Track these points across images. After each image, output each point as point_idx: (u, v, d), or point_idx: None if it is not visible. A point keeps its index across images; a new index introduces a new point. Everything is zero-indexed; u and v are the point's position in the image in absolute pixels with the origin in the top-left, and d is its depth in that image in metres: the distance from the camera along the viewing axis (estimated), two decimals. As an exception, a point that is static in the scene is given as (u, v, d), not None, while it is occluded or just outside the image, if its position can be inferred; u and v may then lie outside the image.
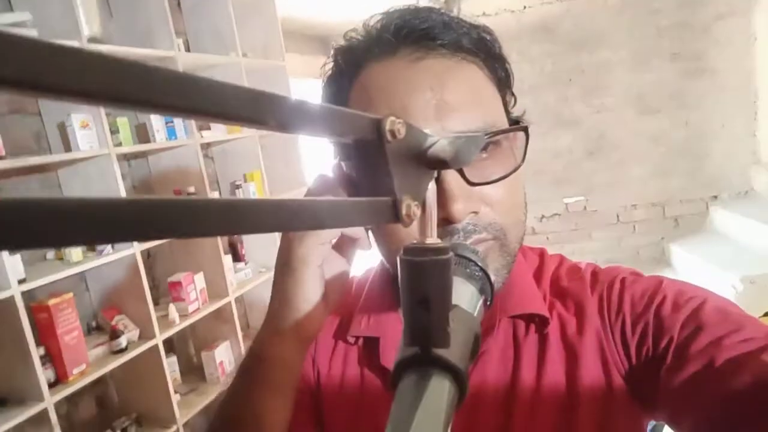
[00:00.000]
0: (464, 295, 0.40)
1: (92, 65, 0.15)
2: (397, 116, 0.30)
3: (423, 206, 0.35)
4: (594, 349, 0.53)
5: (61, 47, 0.14)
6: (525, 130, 0.52)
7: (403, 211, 0.31)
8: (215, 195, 2.52)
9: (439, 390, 0.31)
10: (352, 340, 0.60)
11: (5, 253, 1.59)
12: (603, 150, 4.16)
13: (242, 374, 0.49)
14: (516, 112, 0.57)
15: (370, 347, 0.58)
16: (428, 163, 0.33)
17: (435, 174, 0.35)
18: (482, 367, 0.55)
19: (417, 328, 0.32)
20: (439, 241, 0.35)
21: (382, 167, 0.31)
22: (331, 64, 0.54)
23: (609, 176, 4.17)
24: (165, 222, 0.17)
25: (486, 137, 0.46)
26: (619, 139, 4.13)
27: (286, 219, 0.25)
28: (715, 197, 4.08)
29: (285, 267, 0.45)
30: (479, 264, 0.44)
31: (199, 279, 2.36)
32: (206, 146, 2.73)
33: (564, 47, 4.07)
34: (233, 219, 0.21)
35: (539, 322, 0.55)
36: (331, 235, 0.44)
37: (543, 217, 4.32)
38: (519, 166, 0.51)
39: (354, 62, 0.51)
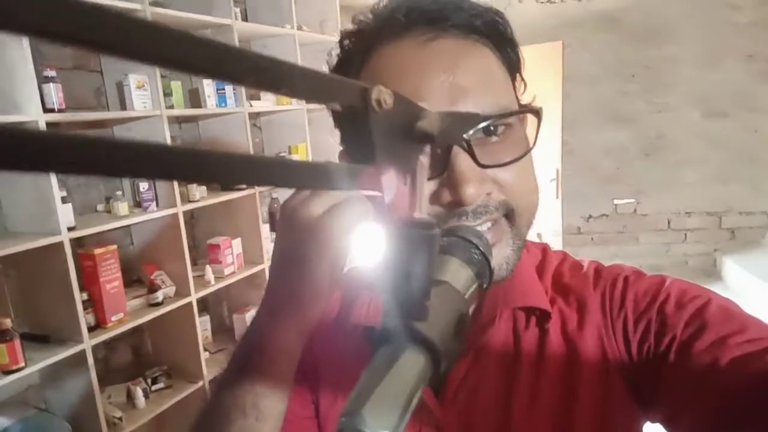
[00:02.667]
0: (458, 277, 0.40)
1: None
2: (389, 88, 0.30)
3: (413, 179, 0.35)
4: (594, 346, 0.53)
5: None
6: (537, 112, 0.51)
7: (385, 181, 0.31)
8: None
9: (411, 361, 0.31)
10: (352, 328, 0.60)
11: (58, 201, 1.69)
12: (660, 151, 3.98)
13: (239, 362, 0.49)
14: (531, 100, 0.56)
15: (371, 336, 0.59)
16: (416, 137, 0.32)
17: (426, 148, 0.34)
18: (482, 361, 0.54)
19: (396, 300, 0.32)
20: (426, 216, 0.35)
21: (368, 137, 0.31)
22: (339, 50, 0.53)
23: (663, 179, 3.99)
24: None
25: (492, 119, 0.45)
26: (679, 140, 3.94)
27: (265, 174, 0.25)
28: (779, 211, 3.85)
29: (295, 259, 0.43)
30: (480, 248, 0.43)
31: (237, 244, 2.43)
32: (255, 116, 2.79)
33: (629, 39, 3.89)
34: (201, 166, 0.22)
35: (540, 316, 0.55)
36: (349, 221, 0.42)
37: (590, 216, 4.19)
38: (531, 148, 0.50)
39: (364, 45, 0.50)
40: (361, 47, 0.51)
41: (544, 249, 0.63)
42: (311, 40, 2.89)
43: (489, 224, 0.48)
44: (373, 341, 0.33)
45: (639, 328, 0.51)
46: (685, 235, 4.07)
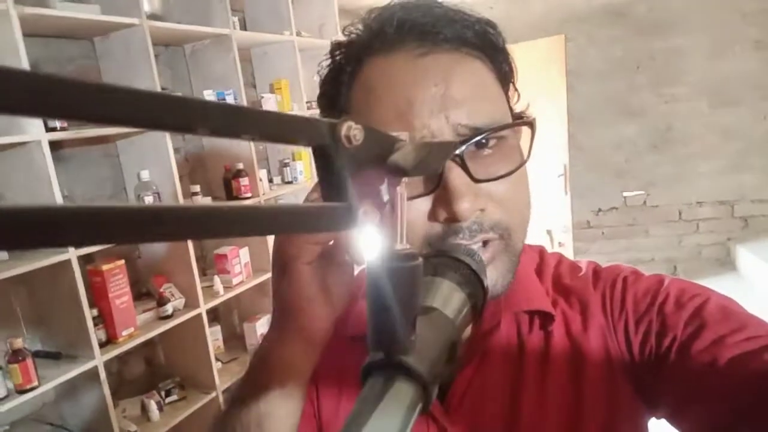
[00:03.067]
0: (449, 301, 0.39)
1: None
2: (358, 122, 0.29)
3: (392, 210, 0.34)
4: (599, 346, 0.53)
5: None
6: (530, 124, 0.51)
7: (360, 217, 0.30)
8: (263, 172, 2.57)
9: (400, 394, 0.30)
10: (351, 338, 0.59)
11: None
12: (670, 143, 3.93)
13: (249, 379, 0.49)
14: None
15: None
16: (389, 170, 0.31)
17: (404, 180, 0.33)
18: (486, 365, 0.54)
19: (380, 333, 0.32)
20: (407, 246, 0.34)
21: (340, 172, 0.30)
22: (329, 61, 0.52)
23: (674, 171, 3.94)
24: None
25: (461, 146, 0.45)
26: (689, 131, 3.88)
27: (238, 224, 0.24)
28: (793, 198, 3.78)
29: (278, 268, 0.44)
30: (473, 267, 0.42)
31: (244, 253, 2.43)
32: (258, 124, 2.79)
33: (635, 32, 3.84)
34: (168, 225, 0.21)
35: (544, 319, 0.55)
36: (325, 237, 0.43)
37: (600, 210, 4.15)
38: (525, 161, 0.50)
39: (355, 58, 0.50)
40: (352, 59, 0.51)
41: (541, 251, 0.63)
42: (311, 45, 2.89)
43: (479, 244, 0.48)
44: (361, 374, 0.32)
45: (640, 330, 0.51)
46: (698, 225, 4.01)
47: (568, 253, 4.07)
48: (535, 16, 3.92)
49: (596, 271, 0.58)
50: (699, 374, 0.45)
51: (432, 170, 0.33)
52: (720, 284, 3.36)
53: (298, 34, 2.75)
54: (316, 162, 0.30)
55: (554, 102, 3.90)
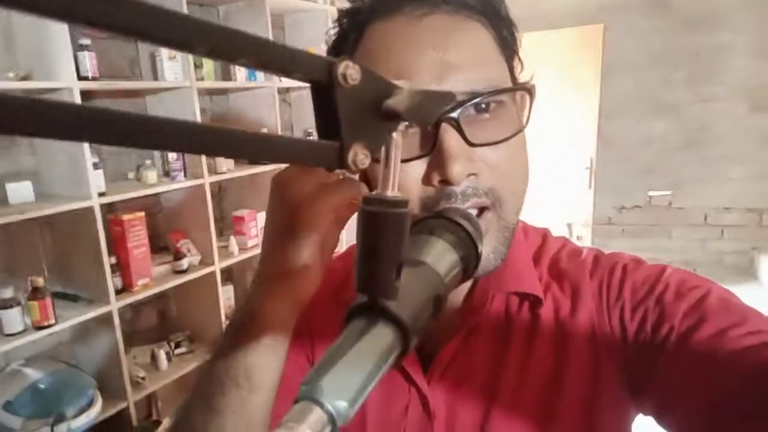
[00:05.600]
0: (441, 259, 0.40)
1: None
2: (356, 62, 0.30)
3: (386, 156, 0.35)
4: (585, 333, 0.52)
5: None
6: (529, 90, 0.50)
7: (350, 158, 0.31)
8: (286, 139, 2.59)
9: (379, 336, 0.31)
10: (347, 304, 0.61)
11: (90, 168, 1.75)
12: (702, 143, 3.82)
13: (233, 333, 0.49)
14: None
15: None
16: (383, 114, 0.32)
17: (399, 126, 0.34)
18: (472, 342, 0.55)
19: (365, 276, 0.32)
20: (399, 194, 0.34)
21: (334, 112, 0.31)
22: (336, 29, 0.52)
23: (703, 173, 3.84)
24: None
25: (469, 101, 0.45)
26: (724, 133, 3.76)
27: (229, 145, 0.26)
28: (825, 212, 3.66)
29: (286, 231, 0.44)
30: (468, 230, 0.43)
31: (261, 217, 2.47)
32: (285, 91, 2.80)
33: (677, 25, 3.71)
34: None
35: (533, 302, 0.55)
36: (339, 200, 0.43)
37: (623, 207, 4.08)
38: (522, 128, 0.49)
39: (358, 23, 0.50)
40: (355, 25, 0.51)
41: (544, 234, 0.63)
42: (344, 16, 2.87)
43: (476, 211, 0.48)
44: (346, 316, 0.34)
45: (636, 317, 0.50)
46: (722, 231, 3.92)
47: (586, 248, 4.03)
48: (572, 1, 3.82)
49: (597, 258, 0.58)
50: (697, 366, 0.44)
51: (427, 118, 0.34)
52: (740, 293, 3.29)
53: (332, 3, 2.73)
54: (313, 99, 0.31)
55: (585, 93, 3.82)
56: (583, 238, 4.10)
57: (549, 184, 3.81)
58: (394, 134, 0.35)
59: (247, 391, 0.47)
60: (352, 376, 0.30)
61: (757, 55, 3.61)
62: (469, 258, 0.42)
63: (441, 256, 0.40)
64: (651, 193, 4.01)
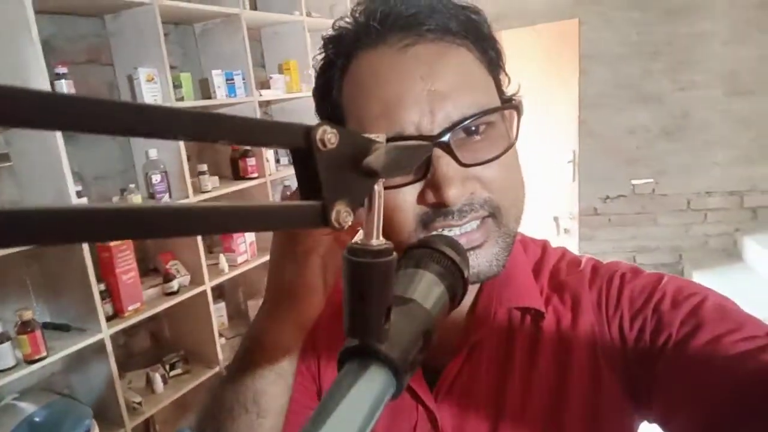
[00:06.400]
0: (429, 293, 0.41)
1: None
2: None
3: (369, 206, 0.35)
4: (586, 344, 0.53)
5: None
6: (516, 108, 0.51)
7: (333, 216, 0.32)
8: (270, 153, 2.59)
9: (372, 380, 0.32)
10: None
11: (73, 195, 1.73)
12: (683, 131, 3.87)
13: (241, 360, 0.51)
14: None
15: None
16: (363, 172, 0.33)
17: (379, 180, 0.35)
18: (476, 357, 0.55)
19: (354, 321, 0.33)
20: (383, 242, 0.35)
21: (315, 174, 0.31)
22: (322, 55, 0.53)
23: (685, 159, 3.89)
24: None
25: (444, 135, 0.45)
26: (704, 119, 3.82)
27: (215, 223, 0.26)
28: (804, 190, 3.73)
29: (288, 255, 0.46)
30: (455, 260, 0.44)
31: (249, 233, 2.47)
32: (265, 104, 2.80)
33: (654, 16, 3.75)
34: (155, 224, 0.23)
35: (535, 315, 0.56)
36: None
37: (607, 197, 4.12)
38: (512, 144, 0.50)
39: (343, 52, 0.51)
40: (341, 53, 0.51)
41: (544, 246, 0.64)
42: (321, 26, 2.87)
43: (476, 223, 0.49)
44: (338, 360, 0.34)
45: (635, 327, 0.51)
46: (706, 215, 3.97)
47: (574, 240, 4.06)
48: (548, -2, 3.86)
49: (595, 268, 0.58)
50: (694, 373, 0.45)
51: (405, 171, 0.35)
52: (725, 275, 3.32)
53: (309, 14, 2.73)
54: (294, 163, 0.32)
55: (566, 86, 3.86)
56: (571, 231, 4.13)
57: (534, 179, 3.83)
58: (376, 186, 0.36)
59: (256, 415, 0.48)
60: (349, 428, 0.31)
61: (732, 42, 3.67)
62: (456, 287, 0.43)
63: (428, 290, 0.41)
64: (634, 182, 4.05)
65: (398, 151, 0.34)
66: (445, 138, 0.46)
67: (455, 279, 0.43)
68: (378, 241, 0.36)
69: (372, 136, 0.35)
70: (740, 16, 3.62)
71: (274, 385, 0.49)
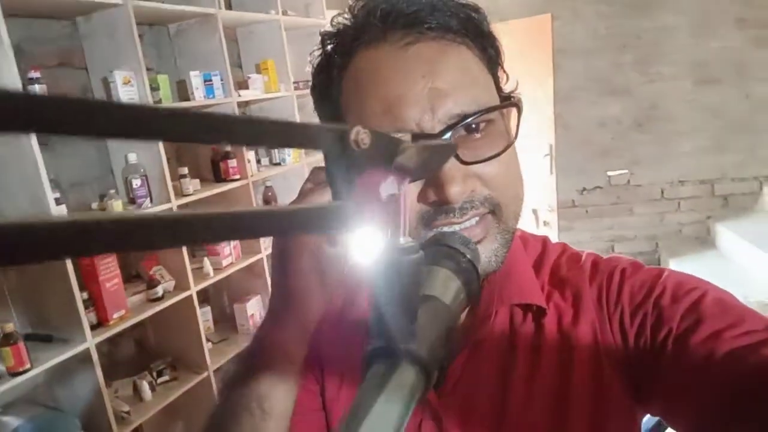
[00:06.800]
0: (447, 289, 0.41)
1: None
2: (365, 125, 0.31)
3: (397, 205, 0.36)
4: (588, 340, 0.54)
5: None
6: (516, 105, 0.52)
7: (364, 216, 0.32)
8: (251, 154, 2.56)
9: (403, 379, 0.32)
10: (355, 322, 0.61)
11: (52, 203, 1.69)
12: (654, 121, 3.97)
13: (245, 363, 0.51)
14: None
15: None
16: (395, 171, 0.33)
17: (406, 180, 0.35)
18: (478, 353, 0.56)
19: (383, 323, 0.33)
20: (410, 240, 0.36)
21: (348, 174, 0.32)
22: (319, 52, 0.53)
23: (657, 149, 3.99)
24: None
25: (446, 133, 0.46)
26: (673, 110, 3.92)
27: (244, 229, 0.26)
28: (771, 177, 3.86)
29: (282, 256, 0.46)
30: (468, 255, 0.44)
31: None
32: (244, 105, 2.77)
33: (621, 10, 3.84)
34: (185, 232, 0.22)
35: (536, 312, 0.56)
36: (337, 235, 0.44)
37: (584, 189, 4.20)
38: (512, 142, 0.51)
39: (343, 50, 0.51)
40: (340, 51, 0.51)
41: (544, 242, 0.64)
42: (297, 24, 2.85)
43: (476, 219, 0.49)
44: (363, 362, 0.34)
45: (635, 322, 0.51)
46: (679, 204, 4.08)
47: (553, 232, 4.13)
48: (521, -6, 3.90)
49: (595, 263, 0.58)
50: (695, 368, 0.45)
51: (432, 171, 0.35)
52: (699, 262, 3.41)
53: (284, 13, 2.71)
54: (326, 164, 0.32)
55: (540, 81, 3.91)
56: (550, 223, 4.20)
57: (512, 173, 3.87)
58: (403, 187, 0.36)
59: (261, 418, 0.48)
60: (387, 426, 0.31)
61: (697, 33, 3.77)
62: (471, 282, 0.44)
63: (446, 286, 0.42)
64: (609, 173, 4.14)
65: (427, 151, 0.34)
66: (447, 136, 0.46)
67: (470, 274, 0.44)
68: (405, 239, 0.36)
69: (398, 135, 0.35)
70: (704, 8, 3.72)
71: (279, 388, 0.49)
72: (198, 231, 0.22)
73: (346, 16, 0.51)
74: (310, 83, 0.56)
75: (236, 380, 0.51)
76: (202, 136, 0.23)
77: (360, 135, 0.31)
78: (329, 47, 0.53)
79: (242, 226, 0.26)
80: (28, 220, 0.15)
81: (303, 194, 0.44)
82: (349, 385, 0.60)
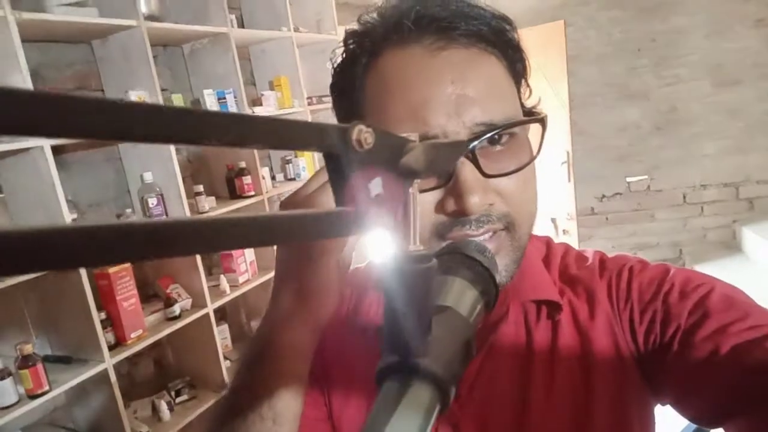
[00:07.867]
0: (463, 300, 0.39)
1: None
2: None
3: (404, 211, 0.34)
4: (606, 335, 0.54)
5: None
6: (542, 121, 0.51)
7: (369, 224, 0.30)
8: (266, 170, 2.57)
9: (418, 397, 0.30)
10: (362, 328, 0.60)
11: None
12: (673, 125, 3.90)
13: (253, 363, 0.49)
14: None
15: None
16: (401, 172, 0.31)
17: (414, 181, 0.33)
18: (494, 355, 0.55)
19: (395, 336, 0.31)
20: (421, 247, 0.33)
21: (351, 177, 0.29)
22: (342, 49, 0.52)
23: (678, 153, 3.91)
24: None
25: (472, 143, 0.46)
26: (692, 113, 3.85)
27: (246, 236, 0.24)
28: (798, 178, 3.76)
29: (303, 256, 0.45)
30: (485, 264, 0.42)
31: (249, 252, 2.44)
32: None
33: (634, 14, 3.80)
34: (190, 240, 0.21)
35: (551, 309, 0.56)
36: None
37: (603, 196, 4.13)
38: (534, 157, 0.51)
39: (370, 48, 0.50)
40: (367, 49, 0.51)
41: (548, 242, 0.64)
42: (309, 40, 2.87)
43: (489, 234, 0.48)
44: (376, 377, 0.32)
45: (645, 319, 0.52)
46: (702, 208, 3.99)
47: (573, 241, 4.06)
48: (532, 1, 3.89)
49: (602, 261, 0.59)
50: (701, 362, 0.45)
51: (442, 170, 0.33)
52: (726, 267, 3.33)
53: (296, 29, 2.73)
54: (327, 166, 0.30)
55: (555, 88, 3.88)
56: (570, 231, 4.13)
57: (529, 182, 3.83)
58: (411, 189, 0.34)
59: (272, 421, 0.46)
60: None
61: (713, 33, 3.72)
62: (489, 291, 0.41)
63: (462, 296, 0.40)
64: (629, 179, 4.07)
65: (435, 151, 0.32)
66: (471, 146, 0.46)
67: (487, 284, 0.42)
68: (415, 246, 0.34)
69: (405, 135, 0.33)
70: (718, 9, 3.66)
71: (289, 390, 0.47)
72: (228, 237, 0.22)
73: (374, 15, 0.51)
74: (331, 81, 0.55)
75: (244, 383, 0.49)
76: (188, 135, 0.21)
77: (363, 134, 0.28)
78: (354, 45, 0.52)
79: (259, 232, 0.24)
80: (68, 225, 0.15)
81: (308, 198, 0.43)
82: (357, 396, 0.59)
